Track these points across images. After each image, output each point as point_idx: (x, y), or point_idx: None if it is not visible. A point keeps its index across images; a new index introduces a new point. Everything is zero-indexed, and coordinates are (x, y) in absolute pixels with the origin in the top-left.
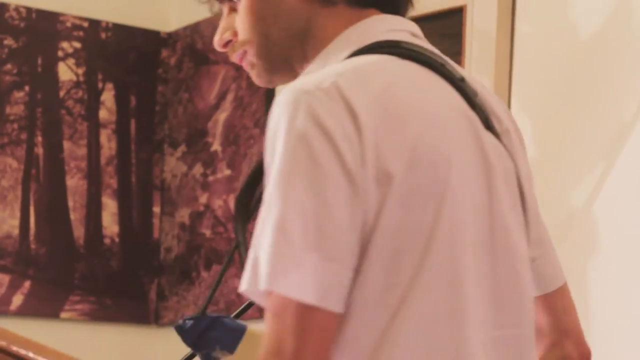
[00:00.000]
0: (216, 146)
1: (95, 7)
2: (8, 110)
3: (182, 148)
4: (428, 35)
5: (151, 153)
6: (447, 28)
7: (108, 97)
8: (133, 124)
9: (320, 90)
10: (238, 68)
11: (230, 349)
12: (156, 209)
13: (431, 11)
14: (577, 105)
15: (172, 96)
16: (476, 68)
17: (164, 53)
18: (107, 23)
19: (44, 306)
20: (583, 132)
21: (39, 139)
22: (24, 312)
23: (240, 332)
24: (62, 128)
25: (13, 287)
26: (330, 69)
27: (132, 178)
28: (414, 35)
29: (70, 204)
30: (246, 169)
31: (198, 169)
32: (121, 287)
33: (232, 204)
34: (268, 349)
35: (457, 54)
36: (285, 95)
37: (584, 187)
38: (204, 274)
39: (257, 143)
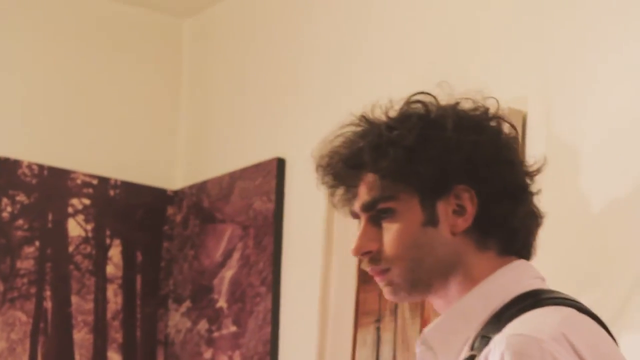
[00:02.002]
0: (222, 303)
1: (105, 164)
2: (18, 264)
3: (187, 304)
4: None
5: (156, 308)
6: None
7: (115, 252)
8: (139, 279)
9: (554, 341)
10: (245, 227)
11: None
12: None
13: None
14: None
15: (177, 252)
16: None
17: (170, 210)
18: (116, 180)
19: None
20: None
21: (48, 293)
22: None
23: None
24: (71, 283)
25: None
26: (546, 320)
27: (137, 332)
28: (543, 280)
29: (77, 357)
30: (252, 326)
31: (203, 325)
32: None
33: None
34: None
35: None
36: (517, 342)
37: None
38: None
39: (264, 301)
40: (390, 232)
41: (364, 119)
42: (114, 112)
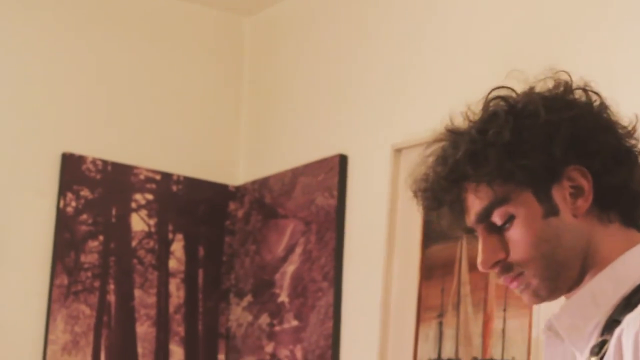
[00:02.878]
0: (283, 297)
1: (168, 160)
2: (83, 258)
3: (248, 298)
4: None
5: (217, 302)
6: None
7: (178, 247)
8: (201, 273)
9: None
10: (308, 223)
11: None
12: (221, 357)
13: None
14: None
15: (239, 247)
16: None
17: (232, 206)
18: (179, 176)
19: None
20: None
21: (112, 286)
22: None
23: None
24: (134, 277)
25: None
26: None
27: (199, 326)
28: None
29: (140, 350)
30: (314, 321)
31: (264, 319)
32: None
33: (299, 354)
34: None
35: None
36: None
37: None
38: None
39: (326, 295)
40: (514, 235)
41: (448, 131)
42: (176, 108)
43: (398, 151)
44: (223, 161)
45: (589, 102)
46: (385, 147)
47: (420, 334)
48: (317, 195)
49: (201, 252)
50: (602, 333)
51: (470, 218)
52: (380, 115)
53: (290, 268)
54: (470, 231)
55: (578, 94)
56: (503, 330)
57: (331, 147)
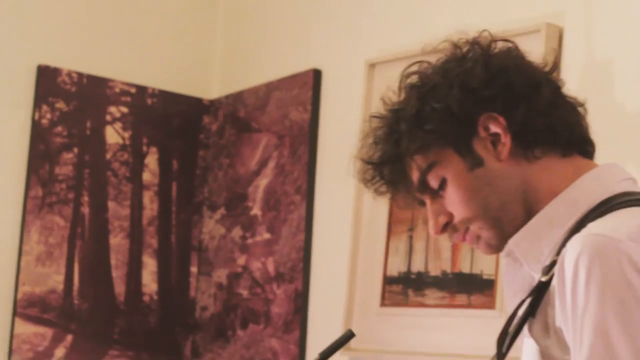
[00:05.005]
0: (256, 210)
1: (143, 73)
2: (57, 170)
3: (221, 211)
4: None
5: (191, 215)
6: None
7: (152, 160)
8: (174, 186)
9: (632, 241)
10: (281, 137)
11: None
12: (193, 269)
13: None
14: None
15: (212, 161)
16: None
17: (206, 119)
18: (154, 89)
19: None
20: None
21: (86, 198)
22: None
23: None
24: (107, 189)
25: (56, 341)
26: (625, 221)
27: (172, 238)
28: (634, 181)
29: (113, 261)
30: (286, 233)
31: (237, 232)
32: (158, 343)
33: (270, 266)
34: None
35: None
36: (592, 243)
37: None
38: (240, 332)
39: (298, 209)
40: (450, 195)
41: (374, 117)
42: (152, 21)
43: (372, 66)
44: (198, 75)
45: (487, 49)
46: (359, 62)
47: (390, 247)
48: (291, 110)
49: (175, 165)
50: (557, 254)
51: (416, 192)
52: (355, 31)
53: (263, 182)
54: (424, 204)
55: (476, 46)
56: None
57: (305, 62)
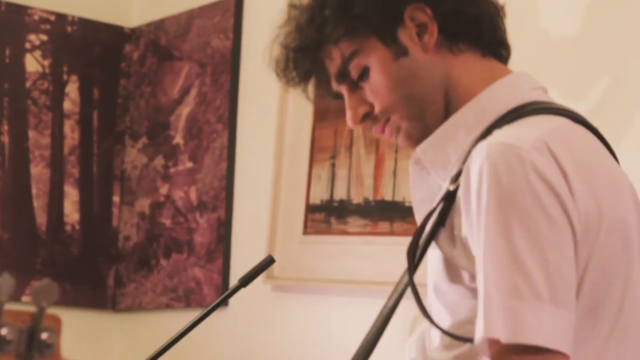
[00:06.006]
0: (178, 139)
1: (62, 1)
2: None
3: (143, 140)
4: None
5: (112, 144)
6: None
7: (72, 89)
8: (95, 115)
9: (536, 150)
10: (203, 65)
11: None
12: (116, 199)
13: None
14: None
15: (134, 90)
16: None
17: (127, 48)
18: (73, 17)
19: None
20: None
21: (5, 127)
22: None
23: None
24: (28, 118)
25: None
26: (531, 129)
27: (94, 168)
28: (544, 91)
29: (34, 191)
30: (209, 162)
31: (159, 161)
32: (81, 273)
33: (193, 195)
34: None
35: None
36: (497, 151)
37: None
38: (163, 262)
39: (220, 137)
40: (372, 84)
41: (291, 6)
42: None
43: None
44: (118, 2)
45: None
46: None
47: (313, 175)
48: (213, 38)
49: (96, 93)
50: (464, 162)
51: (333, 81)
52: None
53: (185, 110)
54: (339, 96)
55: None
56: (394, 172)
57: None
